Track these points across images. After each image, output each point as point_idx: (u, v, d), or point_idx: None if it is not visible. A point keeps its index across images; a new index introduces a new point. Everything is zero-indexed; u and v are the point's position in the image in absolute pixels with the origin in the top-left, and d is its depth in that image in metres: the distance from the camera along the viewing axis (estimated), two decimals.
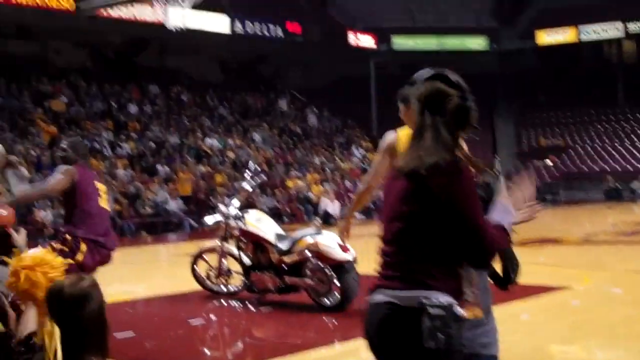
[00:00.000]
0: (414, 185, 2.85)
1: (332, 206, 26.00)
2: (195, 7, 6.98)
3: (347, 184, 29.95)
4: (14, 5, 26.08)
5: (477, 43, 41.38)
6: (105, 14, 26.99)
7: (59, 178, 6.65)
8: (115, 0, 6.52)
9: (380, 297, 2.90)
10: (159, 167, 26.27)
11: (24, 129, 25.55)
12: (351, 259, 8.73)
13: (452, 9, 41.81)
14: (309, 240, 8.94)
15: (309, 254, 8.89)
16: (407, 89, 5.48)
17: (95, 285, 3.27)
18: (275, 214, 22.94)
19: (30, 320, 3.63)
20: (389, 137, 5.65)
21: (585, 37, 40.69)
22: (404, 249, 2.90)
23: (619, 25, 39.61)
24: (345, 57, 39.11)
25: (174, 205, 24.11)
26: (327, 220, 24.64)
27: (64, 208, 6.90)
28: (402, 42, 40.37)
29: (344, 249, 8.75)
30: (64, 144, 6.98)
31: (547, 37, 41.26)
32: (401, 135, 5.57)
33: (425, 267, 2.84)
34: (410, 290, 2.82)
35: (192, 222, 24.08)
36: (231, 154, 29.74)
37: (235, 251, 9.66)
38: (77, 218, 6.65)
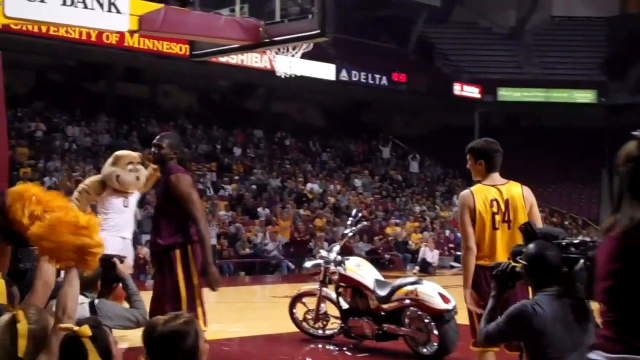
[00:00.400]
0: (623, 245, 2.81)
1: (431, 255, 25.77)
2: (304, 55, 7.17)
3: (447, 232, 29.67)
4: (126, 48, 26.96)
5: (584, 96, 40.63)
6: (214, 59, 27.69)
7: (195, 195, 6.65)
8: (228, 48, 6.76)
9: (594, 356, 2.90)
10: (259, 209, 26.56)
11: None
12: (451, 309, 8.62)
13: (559, 61, 41.32)
14: (409, 288, 8.87)
15: (409, 302, 8.81)
16: (478, 143, 6.30)
17: (191, 322, 3.29)
18: (373, 261, 22.80)
19: None
20: (467, 197, 6.07)
21: None
22: (617, 308, 2.86)
23: None
24: (449, 106, 39.02)
25: (273, 247, 24.29)
26: (426, 268, 24.43)
27: (167, 222, 6.69)
28: (507, 94, 39.99)
29: (445, 298, 8.65)
30: (165, 142, 6.93)
31: None
32: (475, 192, 6.05)
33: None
34: (624, 355, 2.78)
35: (290, 264, 24.21)
36: (331, 199, 29.88)
37: (334, 296, 9.66)
38: (192, 233, 6.58)
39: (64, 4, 6.40)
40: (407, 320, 8.88)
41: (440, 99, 38.22)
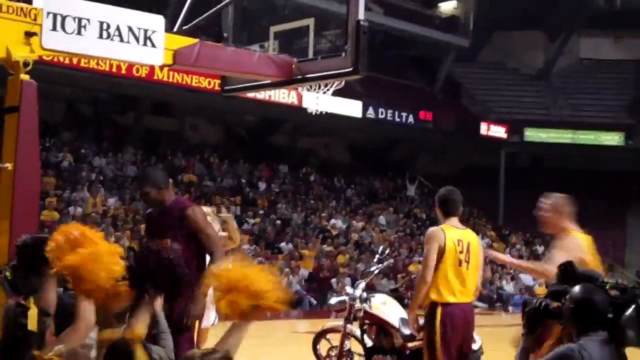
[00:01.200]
0: None
1: None
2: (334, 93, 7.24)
3: None
4: (155, 81, 27.23)
5: (611, 138, 40.48)
6: (241, 93, 27.82)
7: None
8: (260, 84, 6.83)
9: None
10: (282, 244, 26.57)
11: None
12: (477, 350, 8.55)
13: (587, 103, 41.26)
14: None
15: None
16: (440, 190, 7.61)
17: (227, 357, 3.32)
18: (396, 298, 22.72)
19: None
20: (439, 233, 7.00)
21: None
22: None
23: None
24: (476, 146, 39.01)
25: (295, 282, 24.26)
26: None
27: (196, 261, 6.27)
28: (534, 134, 39.92)
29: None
30: (147, 185, 6.60)
31: None
32: (445, 230, 7.06)
33: None
34: None
35: (312, 300, 24.15)
36: (355, 236, 29.83)
37: (358, 333, 9.62)
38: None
39: (101, 37, 6.49)
40: None
41: (467, 138, 38.23)
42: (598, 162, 37.76)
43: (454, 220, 7.31)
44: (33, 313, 4.28)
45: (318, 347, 10.13)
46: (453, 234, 7.02)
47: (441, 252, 6.87)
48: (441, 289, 6.82)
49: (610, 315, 3.91)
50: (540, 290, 28.12)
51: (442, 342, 6.85)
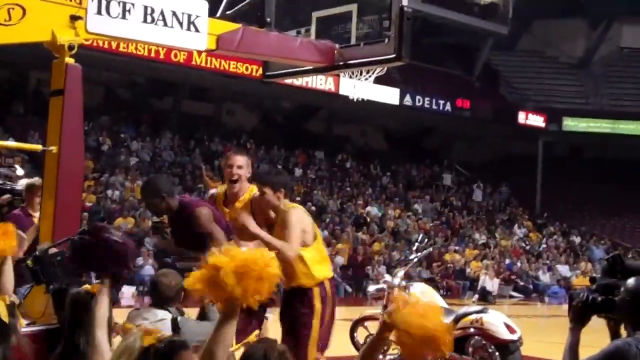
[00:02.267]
0: None
1: (491, 283, 25.53)
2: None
3: (507, 262, 29.37)
4: (193, 67, 27.31)
5: None
6: (279, 80, 27.82)
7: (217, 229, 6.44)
8: (302, 70, 6.79)
9: None
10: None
11: (192, 185, 26.51)
12: (517, 339, 8.50)
13: (627, 92, 40.73)
14: (474, 317, 8.76)
15: (473, 331, 8.71)
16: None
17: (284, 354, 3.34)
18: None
19: None
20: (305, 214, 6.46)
21: None
22: None
23: None
24: (513, 134, 38.72)
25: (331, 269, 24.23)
26: (485, 297, 24.21)
27: None
28: (573, 124, 39.50)
29: (510, 329, 8.54)
30: (150, 197, 6.47)
31: None
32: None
33: None
34: None
35: (347, 287, 24.14)
36: (390, 223, 29.77)
37: None
38: None
39: (145, 21, 6.49)
40: (470, 349, 8.78)
41: (504, 126, 37.94)
42: (637, 152, 37.29)
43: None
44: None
45: (355, 334, 10.12)
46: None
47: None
48: None
49: None
50: (578, 281, 27.92)
51: None
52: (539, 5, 39.11)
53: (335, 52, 7.44)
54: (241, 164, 6.48)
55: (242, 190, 6.56)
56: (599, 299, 4.00)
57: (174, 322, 5.16)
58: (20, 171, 8.79)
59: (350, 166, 34.59)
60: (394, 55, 7.05)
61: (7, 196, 7.43)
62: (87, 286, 4.51)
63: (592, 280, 4.29)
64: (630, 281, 3.89)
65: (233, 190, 6.56)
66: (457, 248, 29.32)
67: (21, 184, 7.89)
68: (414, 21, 7.31)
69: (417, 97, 34.63)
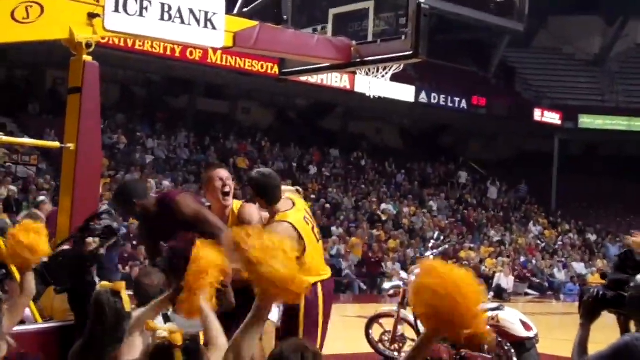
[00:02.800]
0: None
1: (505, 281, 25.48)
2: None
3: (522, 259, 29.29)
4: (208, 65, 27.33)
5: None
6: (294, 77, 27.83)
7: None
8: (318, 67, 6.75)
9: None
10: (333, 228, 26.58)
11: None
12: (533, 337, 8.47)
13: None
14: (490, 314, 8.73)
15: (489, 328, 8.67)
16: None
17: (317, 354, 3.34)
18: None
19: None
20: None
21: None
22: None
23: None
24: (529, 132, 38.62)
25: (346, 266, 24.26)
26: (500, 295, 24.15)
27: None
28: (589, 121, 39.33)
29: (526, 326, 8.51)
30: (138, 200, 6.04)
31: None
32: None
33: None
34: None
35: (362, 285, 24.15)
36: (405, 221, 29.73)
37: (411, 318, 9.56)
38: None
39: (162, 18, 6.50)
40: (486, 347, 8.74)
41: (520, 124, 37.83)
42: None
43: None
44: (126, 297, 4.33)
45: (371, 331, 10.11)
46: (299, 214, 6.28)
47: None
48: None
49: None
50: (593, 279, 27.79)
51: None
52: (555, 2, 38.97)
53: (352, 49, 7.44)
54: (229, 176, 6.12)
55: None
56: (609, 294, 4.00)
57: (165, 316, 5.18)
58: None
59: (366, 164, 34.56)
60: (411, 52, 7.06)
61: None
62: (105, 283, 4.50)
63: (604, 276, 4.28)
64: (639, 277, 3.89)
65: (226, 204, 6.13)
66: (472, 246, 29.26)
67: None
68: (430, 18, 7.29)
69: (433, 95, 34.57)
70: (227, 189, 6.10)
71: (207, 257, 4.17)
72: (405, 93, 32.52)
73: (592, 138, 40.04)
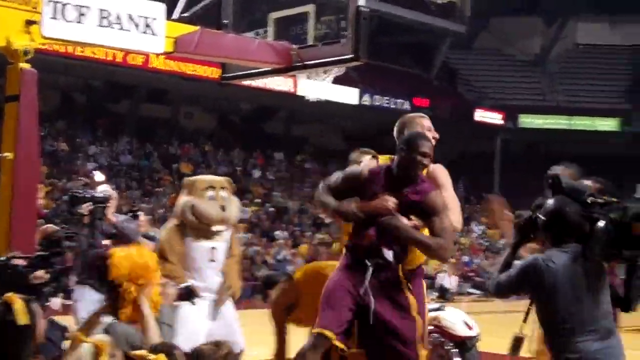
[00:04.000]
0: None
1: (449, 280, 25.72)
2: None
3: (465, 259, 29.58)
4: (150, 69, 27.13)
5: (607, 124, 40.54)
6: (237, 81, 27.74)
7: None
8: (259, 72, 6.72)
9: None
10: (278, 232, 26.55)
11: (151, 189, 26.37)
12: (474, 336, 8.53)
13: (583, 89, 41.26)
14: (432, 314, 8.77)
15: (431, 329, 8.71)
16: None
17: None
18: None
19: None
20: None
21: None
22: None
23: None
24: (471, 132, 39.03)
25: (291, 271, 24.21)
26: (443, 295, 24.36)
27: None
28: (529, 121, 39.96)
29: (468, 325, 8.57)
30: None
31: None
32: None
33: None
34: None
35: None
36: None
37: None
38: None
39: (101, 25, 6.44)
40: (430, 347, 8.78)
41: (462, 125, 38.20)
42: (594, 148, 37.76)
43: None
44: (19, 307, 4.14)
45: None
46: None
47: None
48: None
49: (587, 229, 3.86)
50: None
51: None
52: (496, 4, 39.49)
53: (293, 53, 7.45)
54: None
55: None
56: (541, 219, 4.07)
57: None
58: (99, 177, 8.09)
59: (309, 167, 34.59)
60: (351, 56, 7.09)
61: (87, 204, 7.02)
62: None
63: (539, 206, 4.34)
64: (549, 201, 3.99)
65: None
66: None
67: (101, 190, 7.44)
68: (372, 20, 7.35)
69: (376, 97, 34.74)
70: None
71: (123, 263, 4.20)
72: (348, 95, 32.65)
73: (533, 137, 40.60)
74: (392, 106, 35.45)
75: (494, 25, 43.15)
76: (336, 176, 5.33)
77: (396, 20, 34.14)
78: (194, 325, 6.46)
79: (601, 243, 3.73)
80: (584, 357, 3.56)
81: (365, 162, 5.67)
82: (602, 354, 3.55)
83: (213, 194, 6.56)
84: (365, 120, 37.60)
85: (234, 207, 6.80)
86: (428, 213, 5.10)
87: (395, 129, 5.88)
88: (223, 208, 6.60)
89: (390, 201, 5.16)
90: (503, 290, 4.13)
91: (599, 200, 3.96)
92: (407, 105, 35.83)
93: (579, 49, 44.34)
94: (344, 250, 5.43)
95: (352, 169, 5.55)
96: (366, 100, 34.14)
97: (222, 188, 6.72)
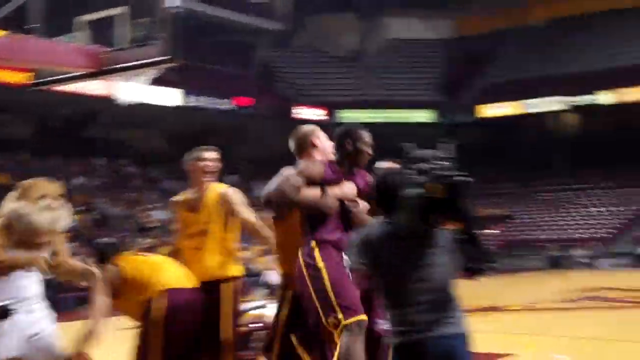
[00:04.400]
0: None
1: (274, 277, 25.94)
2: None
3: None
4: None
5: (423, 116, 42.08)
6: (54, 86, 26.86)
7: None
8: (71, 76, 6.50)
9: None
10: (105, 239, 25.95)
11: None
12: None
13: (399, 83, 42.57)
14: (255, 312, 8.84)
15: (256, 326, 8.76)
16: None
17: None
18: None
19: None
20: None
21: (527, 111, 41.63)
22: None
23: (559, 98, 40.63)
24: (292, 130, 39.39)
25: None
26: (271, 291, 24.60)
27: None
28: (348, 116, 40.91)
29: None
30: None
31: (491, 111, 42.13)
32: None
33: None
34: None
35: None
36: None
37: None
38: None
39: None
40: (254, 345, 8.84)
41: (283, 122, 38.59)
42: (411, 140, 38.92)
43: None
44: None
45: None
46: None
47: None
48: None
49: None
50: None
51: None
52: (312, 2, 40.11)
53: (105, 56, 7.29)
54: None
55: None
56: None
57: None
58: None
59: (132, 171, 33.99)
60: (165, 57, 7.00)
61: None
62: None
63: None
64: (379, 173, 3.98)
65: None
66: (245, 245, 29.47)
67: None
68: (190, 21, 7.30)
69: (198, 97, 34.57)
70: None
71: None
72: (170, 97, 32.33)
73: None
74: (215, 106, 35.38)
75: (310, 23, 43.83)
76: (293, 176, 5.37)
77: (214, 20, 34.07)
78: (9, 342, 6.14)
79: (407, 210, 3.59)
80: (414, 330, 3.47)
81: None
82: (433, 326, 3.44)
83: (46, 203, 5.76)
84: (189, 122, 37.35)
85: (65, 217, 6.39)
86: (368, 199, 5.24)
87: (293, 142, 5.99)
88: (54, 218, 6.20)
89: (354, 189, 5.35)
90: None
91: (422, 167, 3.76)
92: (229, 105, 35.89)
93: (393, 44, 45.73)
94: (322, 245, 5.26)
95: (312, 166, 5.51)
96: (189, 101, 33.90)
97: (56, 197, 6.29)
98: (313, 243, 5.24)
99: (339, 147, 5.55)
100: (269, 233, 6.12)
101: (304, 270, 5.19)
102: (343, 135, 5.54)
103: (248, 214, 6.40)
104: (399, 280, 3.57)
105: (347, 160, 5.53)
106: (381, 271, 3.61)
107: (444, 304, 3.52)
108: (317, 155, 5.63)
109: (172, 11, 6.97)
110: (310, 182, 5.34)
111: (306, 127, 6.01)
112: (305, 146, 5.82)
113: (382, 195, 3.81)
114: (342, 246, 5.09)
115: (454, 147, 3.47)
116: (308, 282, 5.15)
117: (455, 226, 3.53)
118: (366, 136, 5.61)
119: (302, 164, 5.56)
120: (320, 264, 5.16)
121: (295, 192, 5.30)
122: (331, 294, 5.03)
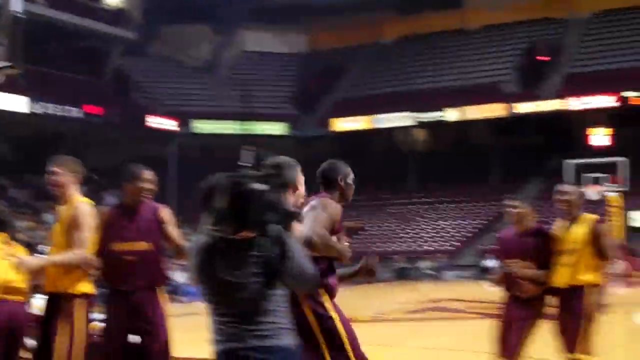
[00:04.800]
0: None
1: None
2: None
3: None
4: None
5: (277, 129, 42.43)
6: None
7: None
8: None
9: None
10: None
11: None
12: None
13: (253, 95, 42.74)
14: (96, 323, 8.72)
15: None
16: None
17: None
18: None
19: None
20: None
21: (377, 125, 42.56)
22: None
23: (407, 114, 41.71)
24: (145, 137, 39.00)
25: None
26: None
27: None
28: (202, 126, 40.85)
29: None
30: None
31: (343, 125, 42.83)
32: None
33: None
34: None
35: None
36: (22, 236, 28.56)
37: None
38: None
39: None
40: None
41: (136, 130, 38.15)
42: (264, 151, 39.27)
43: None
44: None
45: None
46: None
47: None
48: None
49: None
50: None
51: None
52: (167, 12, 39.81)
53: None
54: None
55: None
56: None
57: None
58: None
59: None
60: (7, 63, 6.87)
61: None
62: None
63: None
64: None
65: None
66: None
67: None
68: (38, 26, 7.18)
69: (47, 105, 33.69)
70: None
71: None
72: (16, 104, 31.36)
73: (207, 142, 41.37)
74: (65, 114, 34.59)
75: (165, 32, 43.51)
76: (321, 219, 4.93)
77: (65, 27, 33.35)
78: None
79: (218, 216, 3.52)
80: (226, 340, 3.49)
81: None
82: (245, 338, 3.42)
83: None
84: (38, 129, 36.33)
85: None
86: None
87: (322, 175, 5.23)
88: None
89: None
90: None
91: (232, 176, 3.60)
92: (79, 113, 35.15)
93: (248, 56, 45.92)
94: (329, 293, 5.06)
95: (334, 206, 5.18)
96: (37, 108, 32.96)
97: None
98: (321, 290, 4.93)
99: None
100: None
101: (314, 321, 4.85)
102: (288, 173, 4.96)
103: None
104: (214, 290, 3.56)
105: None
106: (201, 279, 3.59)
107: (257, 315, 3.50)
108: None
109: (15, 16, 6.85)
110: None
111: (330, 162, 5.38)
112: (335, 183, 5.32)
113: (204, 205, 3.64)
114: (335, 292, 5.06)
115: (255, 154, 3.51)
116: (318, 332, 4.84)
117: (250, 234, 3.50)
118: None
119: (333, 206, 5.18)
120: (333, 314, 4.96)
121: (344, 253, 5.15)
122: (348, 347, 4.91)
